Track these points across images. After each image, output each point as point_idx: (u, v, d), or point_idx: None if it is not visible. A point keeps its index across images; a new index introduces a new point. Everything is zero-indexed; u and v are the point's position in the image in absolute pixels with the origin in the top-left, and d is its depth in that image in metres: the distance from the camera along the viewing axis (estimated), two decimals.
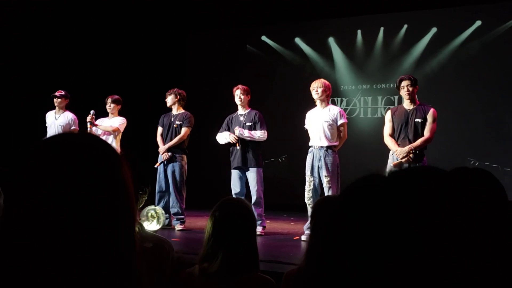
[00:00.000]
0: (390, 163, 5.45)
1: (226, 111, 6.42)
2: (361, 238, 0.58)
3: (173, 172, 6.53)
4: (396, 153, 5.36)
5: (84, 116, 7.16)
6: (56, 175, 0.83)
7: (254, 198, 6.09)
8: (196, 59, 10.43)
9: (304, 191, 5.85)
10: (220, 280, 2.09)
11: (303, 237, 5.69)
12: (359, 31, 9.29)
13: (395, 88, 5.86)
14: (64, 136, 0.93)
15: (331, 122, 5.79)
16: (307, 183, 5.82)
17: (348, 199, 0.63)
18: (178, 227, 6.46)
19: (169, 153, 6.58)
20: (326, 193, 5.62)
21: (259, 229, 5.93)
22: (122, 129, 6.97)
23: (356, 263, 0.57)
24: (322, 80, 5.98)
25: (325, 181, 5.68)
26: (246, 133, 6.15)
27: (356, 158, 7.97)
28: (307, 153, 5.93)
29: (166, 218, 6.39)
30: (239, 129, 6.16)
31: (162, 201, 6.57)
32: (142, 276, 0.89)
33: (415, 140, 5.33)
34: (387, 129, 5.58)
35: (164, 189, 6.60)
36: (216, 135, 6.51)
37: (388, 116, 5.63)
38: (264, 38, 9.97)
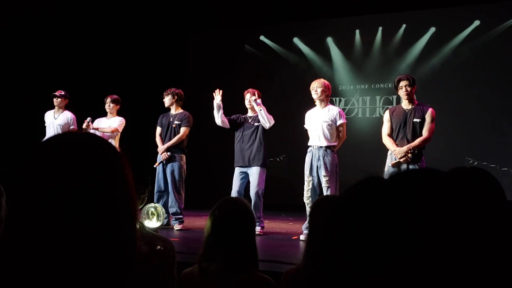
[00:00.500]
0: (389, 163, 5.45)
1: (226, 111, 6.41)
2: (360, 238, 0.58)
3: (172, 172, 6.54)
4: (395, 153, 5.36)
5: (83, 116, 7.15)
6: (57, 174, 0.83)
7: (253, 198, 6.07)
8: (196, 59, 10.43)
9: (303, 191, 5.86)
10: (219, 280, 2.09)
11: (302, 237, 5.70)
12: (357, 31, 9.29)
13: (393, 88, 5.86)
14: (65, 135, 0.94)
15: (330, 122, 5.79)
16: (306, 183, 5.82)
17: (348, 200, 0.64)
18: (176, 226, 6.45)
19: (168, 153, 6.58)
20: (324, 193, 5.62)
21: (257, 229, 5.91)
22: (120, 129, 6.97)
23: (355, 263, 0.58)
24: (322, 80, 5.98)
25: (323, 180, 5.68)
26: (262, 111, 6.06)
27: (355, 158, 7.98)
28: (306, 153, 5.93)
29: (165, 218, 6.38)
30: (259, 101, 6.09)
31: (161, 200, 6.57)
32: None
33: (413, 140, 5.33)
34: (385, 129, 5.58)
35: (163, 188, 6.60)
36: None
37: (386, 116, 5.63)
38: (262, 38, 9.97)
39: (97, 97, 7.33)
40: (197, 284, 2.15)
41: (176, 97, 6.72)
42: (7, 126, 8.78)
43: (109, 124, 6.97)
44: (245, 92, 6.37)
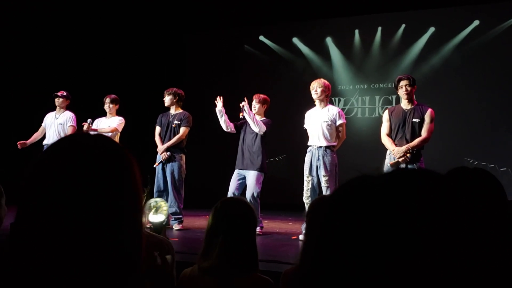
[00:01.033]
0: (387, 162, 5.45)
1: (226, 111, 6.41)
2: (354, 238, 0.58)
3: (172, 172, 6.53)
4: (393, 152, 5.36)
5: (83, 116, 7.15)
6: (67, 175, 0.85)
7: (248, 200, 6.05)
8: (195, 58, 10.43)
9: (302, 191, 5.86)
10: (219, 279, 2.09)
11: (301, 237, 5.69)
12: (356, 31, 9.29)
13: (392, 88, 5.87)
14: (74, 137, 0.95)
15: (330, 123, 5.79)
16: (305, 183, 5.82)
17: (339, 200, 0.64)
18: (176, 226, 6.45)
19: (168, 153, 6.57)
20: (324, 193, 5.61)
21: (256, 229, 5.91)
22: (120, 129, 6.97)
23: (349, 263, 0.58)
24: (322, 80, 5.97)
25: (323, 180, 5.68)
26: (251, 115, 6.07)
27: (354, 158, 7.97)
28: (305, 152, 5.93)
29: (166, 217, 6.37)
30: (247, 107, 6.08)
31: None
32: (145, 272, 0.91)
33: (412, 140, 5.33)
34: (384, 128, 5.58)
35: (162, 188, 6.60)
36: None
37: (385, 116, 5.63)
38: (262, 38, 9.97)
39: (97, 97, 7.33)
40: (197, 284, 2.14)
41: (177, 97, 6.72)
42: (7, 126, 8.78)
43: (109, 124, 6.97)
44: (254, 96, 6.38)
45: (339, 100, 9.34)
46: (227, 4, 9.47)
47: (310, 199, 5.71)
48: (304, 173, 5.83)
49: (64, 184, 0.84)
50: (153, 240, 2.25)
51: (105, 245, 0.84)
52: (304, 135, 6.09)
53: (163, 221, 3.45)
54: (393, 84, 5.77)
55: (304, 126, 6.03)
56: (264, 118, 6.32)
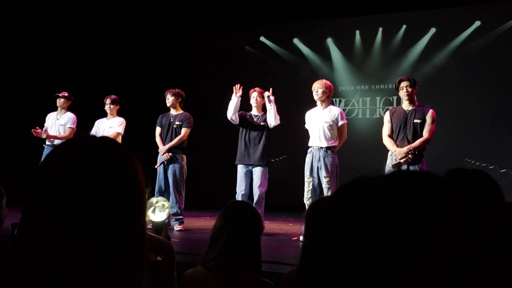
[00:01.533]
0: (389, 163, 5.45)
1: (225, 111, 6.41)
2: (354, 239, 0.58)
3: (174, 172, 6.53)
4: (395, 153, 5.36)
5: (83, 116, 7.15)
6: (72, 176, 0.86)
7: (256, 197, 6.10)
8: (195, 59, 10.43)
9: (303, 192, 5.85)
10: (220, 281, 2.10)
11: (302, 238, 5.69)
12: (357, 32, 9.29)
13: (393, 89, 5.86)
14: (80, 139, 0.96)
15: (331, 123, 5.79)
16: (306, 184, 5.82)
17: (339, 201, 0.64)
18: (176, 227, 6.45)
19: (170, 154, 6.56)
20: (325, 194, 5.61)
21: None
22: (123, 132, 6.96)
23: (349, 264, 0.58)
24: (324, 81, 5.97)
25: (324, 181, 5.68)
26: (273, 105, 6.12)
27: (355, 159, 7.97)
28: (306, 153, 5.93)
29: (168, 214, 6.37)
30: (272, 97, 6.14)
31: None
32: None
33: (414, 141, 5.33)
34: (385, 129, 5.58)
35: (163, 189, 6.60)
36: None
37: (387, 117, 5.63)
38: (262, 38, 9.97)
39: (97, 97, 7.34)
40: (199, 285, 2.15)
41: (180, 98, 6.74)
42: (7, 126, 8.79)
43: (110, 125, 6.97)
44: (252, 90, 6.40)
45: (340, 101, 9.33)
46: (227, 4, 9.48)
47: (310, 200, 5.70)
48: (305, 174, 5.83)
49: (68, 185, 0.85)
50: (153, 241, 2.25)
51: (107, 246, 0.84)
52: (305, 136, 6.09)
53: (165, 220, 3.46)
54: (394, 85, 5.77)
55: (305, 126, 6.03)
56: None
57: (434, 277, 0.55)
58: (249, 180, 6.28)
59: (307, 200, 5.78)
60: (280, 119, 6.29)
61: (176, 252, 2.45)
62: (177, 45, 10.38)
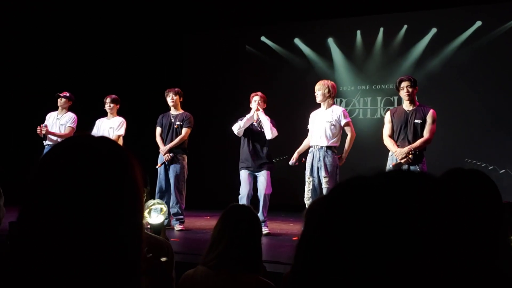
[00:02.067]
0: (390, 164, 5.45)
1: (225, 111, 6.42)
2: (351, 238, 0.58)
3: (175, 173, 6.52)
4: (396, 154, 5.36)
5: (83, 116, 7.15)
6: (69, 176, 0.86)
7: (262, 200, 6.15)
8: (195, 59, 10.42)
9: (303, 191, 5.85)
10: (220, 281, 2.10)
11: None
12: (358, 32, 9.28)
13: (394, 89, 5.86)
14: (78, 138, 0.96)
15: (334, 123, 5.79)
16: (306, 184, 5.82)
17: (334, 200, 0.63)
18: (177, 227, 6.45)
19: (171, 154, 6.55)
20: (324, 194, 5.61)
21: (265, 229, 6.07)
22: (124, 133, 6.96)
23: (346, 264, 0.57)
24: (323, 81, 5.95)
25: (323, 181, 5.68)
26: (267, 121, 6.14)
27: (355, 159, 7.95)
28: (306, 153, 5.93)
29: (166, 218, 6.36)
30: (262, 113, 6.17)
31: (162, 201, 6.56)
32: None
33: (414, 141, 5.33)
34: (386, 130, 5.58)
35: (164, 189, 6.60)
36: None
37: (387, 117, 5.63)
38: (263, 38, 9.96)
39: (97, 97, 7.34)
40: (199, 285, 2.15)
41: (181, 97, 6.75)
42: (7, 126, 8.79)
43: (110, 125, 6.96)
44: (253, 94, 6.38)
45: (341, 101, 9.33)
46: (227, 4, 9.47)
47: (311, 200, 5.71)
48: (306, 174, 5.83)
49: (66, 185, 0.85)
50: (152, 241, 2.26)
51: (105, 246, 0.84)
52: (306, 136, 6.09)
53: (162, 222, 3.47)
54: (394, 85, 5.76)
55: (308, 126, 6.04)
56: (268, 118, 6.33)
57: (433, 277, 0.55)
58: (253, 182, 6.29)
59: (307, 200, 5.79)
60: (281, 120, 6.29)
61: (176, 252, 2.46)
62: (177, 45, 10.37)
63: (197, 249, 2.15)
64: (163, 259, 2.22)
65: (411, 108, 5.46)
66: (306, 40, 9.67)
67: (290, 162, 6.03)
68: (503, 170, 8.08)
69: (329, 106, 5.90)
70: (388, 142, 5.51)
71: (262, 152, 6.26)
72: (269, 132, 6.14)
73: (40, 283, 0.81)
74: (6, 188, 2.39)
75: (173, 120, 6.67)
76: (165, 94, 6.76)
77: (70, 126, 7.16)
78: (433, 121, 5.38)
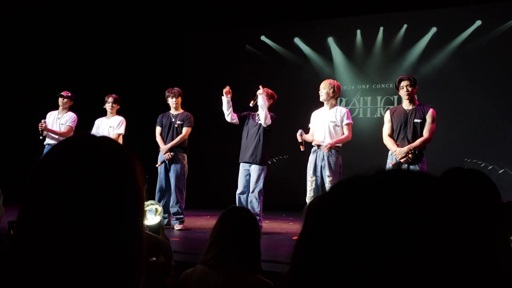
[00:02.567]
0: (389, 163, 5.45)
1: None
2: (350, 238, 0.58)
3: (175, 172, 6.53)
4: (395, 153, 5.36)
5: (83, 115, 7.15)
6: (70, 175, 0.85)
7: (250, 196, 6.11)
8: (195, 58, 10.42)
9: (304, 191, 5.85)
10: (219, 280, 2.10)
11: None
12: (358, 31, 9.28)
13: (394, 88, 5.86)
14: (79, 138, 0.96)
15: (338, 123, 5.80)
16: (308, 183, 5.81)
17: (332, 199, 0.63)
18: (177, 226, 6.46)
19: (172, 153, 6.56)
20: None
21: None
22: (124, 131, 6.98)
23: (345, 264, 0.57)
24: (329, 81, 5.95)
25: (327, 181, 5.67)
26: (262, 101, 6.04)
27: (355, 158, 7.96)
28: (307, 153, 5.93)
29: (165, 218, 6.38)
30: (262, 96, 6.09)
31: (162, 200, 6.56)
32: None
33: (414, 141, 5.33)
34: (386, 129, 5.58)
35: (164, 188, 6.60)
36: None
37: (387, 116, 5.63)
38: (263, 38, 9.96)
39: (97, 97, 7.34)
40: (200, 283, 2.15)
41: (181, 98, 6.77)
42: (7, 126, 8.79)
43: (110, 124, 6.97)
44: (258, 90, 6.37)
45: (341, 101, 9.32)
46: (227, 4, 9.47)
47: None
48: (308, 173, 5.83)
49: (66, 185, 0.85)
50: (151, 241, 2.26)
51: (105, 246, 0.84)
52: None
53: (159, 223, 3.49)
54: (394, 84, 5.76)
55: (309, 126, 6.03)
56: (270, 113, 6.33)
57: (433, 277, 0.55)
58: (248, 179, 6.27)
59: (309, 199, 5.79)
60: (281, 119, 6.29)
61: (176, 251, 2.46)
62: (177, 45, 10.37)
63: (197, 249, 2.16)
64: (161, 259, 2.22)
65: (410, 107, 5.46)
66: (306, 40, 9.67)
67: (302, 149, 5.91)
68: (503, 170, 8.08)
69: (332, 106, 5.90)
70: (387, 141, 5.52)
71: (253, 144, 6.20)
72: (263, 118, 6.09)
73: (40, 283, 0.81)
74: (6, 188, 2.39)
75: (173, 120, 6.68)
76: (165, 95, 6.77)
77: (69, 125, 7.17)
78: (433, 121, 5.38)
